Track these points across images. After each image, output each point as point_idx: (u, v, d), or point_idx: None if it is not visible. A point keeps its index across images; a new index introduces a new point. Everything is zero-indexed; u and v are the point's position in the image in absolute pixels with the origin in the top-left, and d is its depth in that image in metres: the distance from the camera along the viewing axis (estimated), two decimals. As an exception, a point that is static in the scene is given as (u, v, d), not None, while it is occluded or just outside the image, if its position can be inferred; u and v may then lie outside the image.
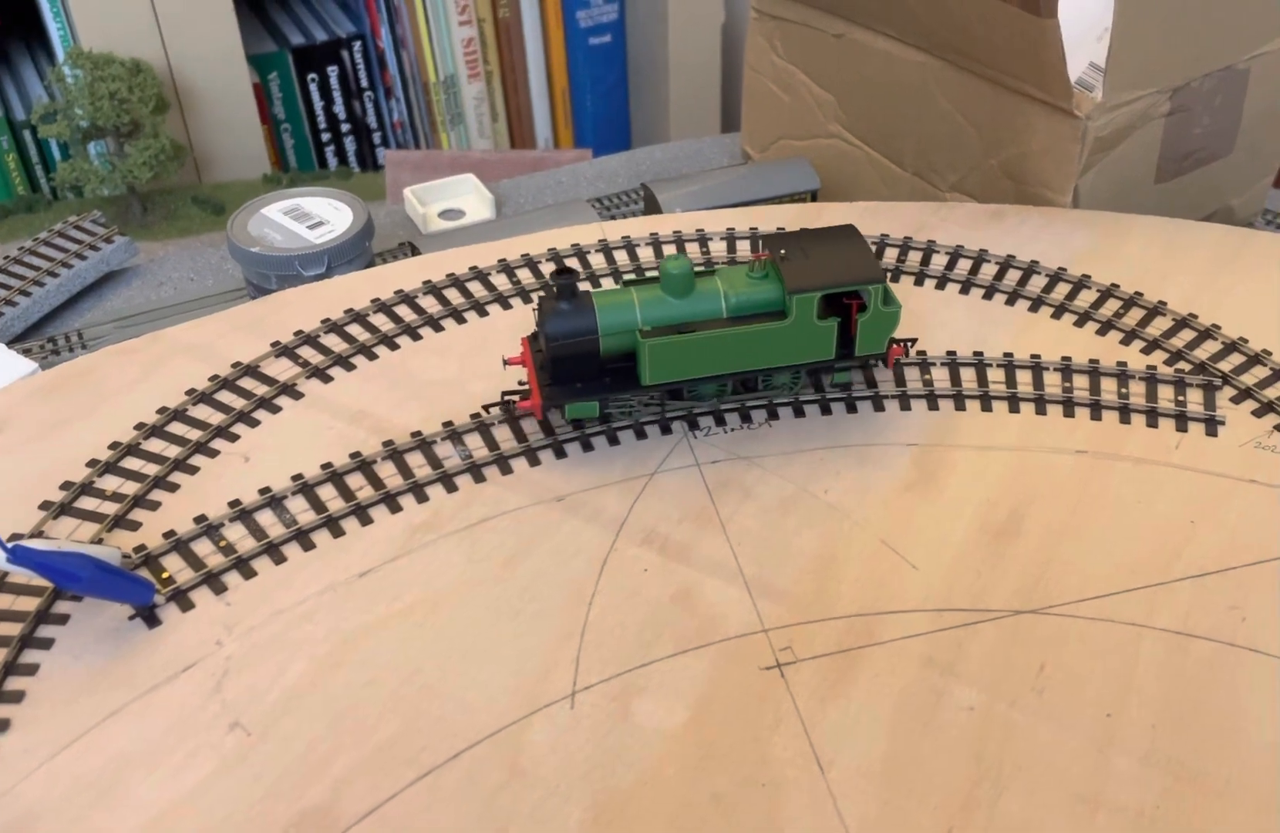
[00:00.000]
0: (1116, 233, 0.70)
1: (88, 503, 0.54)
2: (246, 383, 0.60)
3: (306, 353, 0.62)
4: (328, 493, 0.55)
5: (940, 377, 0.61)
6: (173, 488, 0.55)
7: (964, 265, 0.68)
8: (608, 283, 0.67)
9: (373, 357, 0.62)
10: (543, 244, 0.69)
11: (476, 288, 0.66)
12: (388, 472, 0.56)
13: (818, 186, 0.81)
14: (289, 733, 0.46)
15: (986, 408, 0.59)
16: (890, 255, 0.68)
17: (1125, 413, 0.59)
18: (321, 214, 0.75)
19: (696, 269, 0.55)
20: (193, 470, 0.56)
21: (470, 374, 0.61)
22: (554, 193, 0.94)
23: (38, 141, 1.18)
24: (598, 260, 0.68)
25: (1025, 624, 0.50)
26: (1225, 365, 0.61)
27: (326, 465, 0.56)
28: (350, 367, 0.61)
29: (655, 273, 0.67)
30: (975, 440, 0.58)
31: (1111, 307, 0.65)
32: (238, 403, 0.59)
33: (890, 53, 0.76)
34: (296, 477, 0.55)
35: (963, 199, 0.76)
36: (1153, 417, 0.59)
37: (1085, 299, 0.65)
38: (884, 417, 0.59)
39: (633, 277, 0.67)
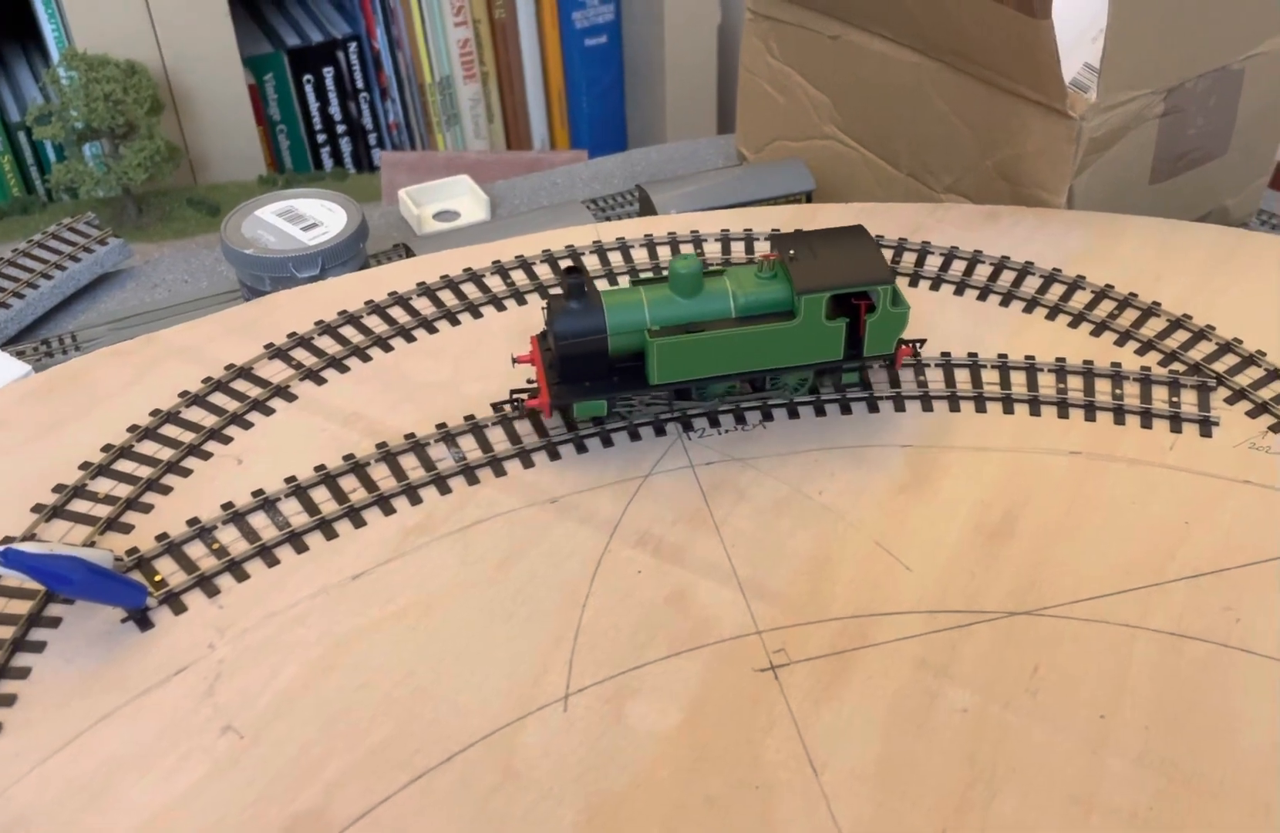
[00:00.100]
0: (1111, 234, 0.70)
1: (80, 506, 0.54)
2: (240, 385, 0.60)
3: (300, 355, 0.62)
4: (321, 495, 0.55)
5: (935, 378, 0.61)
6: (165, 490, 0.55)
7: (959, 266, 0.68)
8: (602, 285, 0.67)
9: (366, 359, 0.62)
10: (537, 246, 0.69)
11: (470, 289, 0.66)
12: (381, 474, 0.56)
13: (813, 188, 0.81)
14: (281, 736, 0.46)
15: (981, 409, 0.59)
16: (886, 256, 0.68)
17: (1120, 414, 0.59)
18: (315, 216, 0.75)
19: (705, 269, 0.55)
20: (185, 473, 0.56)
21: (464, 376, 0.61)
22: (549, 194, 0.94)
23: (33, 143, 1.18)
24: (592, 262, 0.68)
25: (1019, 626, 0.50)
26: (1220, 366, 0.61)
27: (320, 468, 0.55)
28: (344, 369, 0.61)
29: (649, 274, 0.67)
30: (970, 442, 0.58)
31: (1106, 307, 0.65)
32: (231, 405, 0.59)
33: (885, 54, 0.76)
34: (289, 479, 0.55)
35: (958, 200, 0.76)
36: (1147, 418, 0.59)
37: (1080, 300, 0.65)
38: (878, 418, 0.59)
39: (627, 278, 0.67)
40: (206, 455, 0.56)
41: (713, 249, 0.69)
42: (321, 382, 0.61)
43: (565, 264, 0.67)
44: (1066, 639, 0.49)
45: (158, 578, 0.51)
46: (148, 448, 0.57)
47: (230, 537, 0.53)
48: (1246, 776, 0.45)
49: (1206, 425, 0.58)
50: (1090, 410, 0.59)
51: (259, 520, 0.53)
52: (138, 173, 1.02)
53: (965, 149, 0.75)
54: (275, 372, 0.61)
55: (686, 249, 0.69)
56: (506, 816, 0.44)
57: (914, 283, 0.67)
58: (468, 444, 0.57)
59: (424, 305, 0.65)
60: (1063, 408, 0.59)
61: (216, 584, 0.51)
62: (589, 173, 0.97)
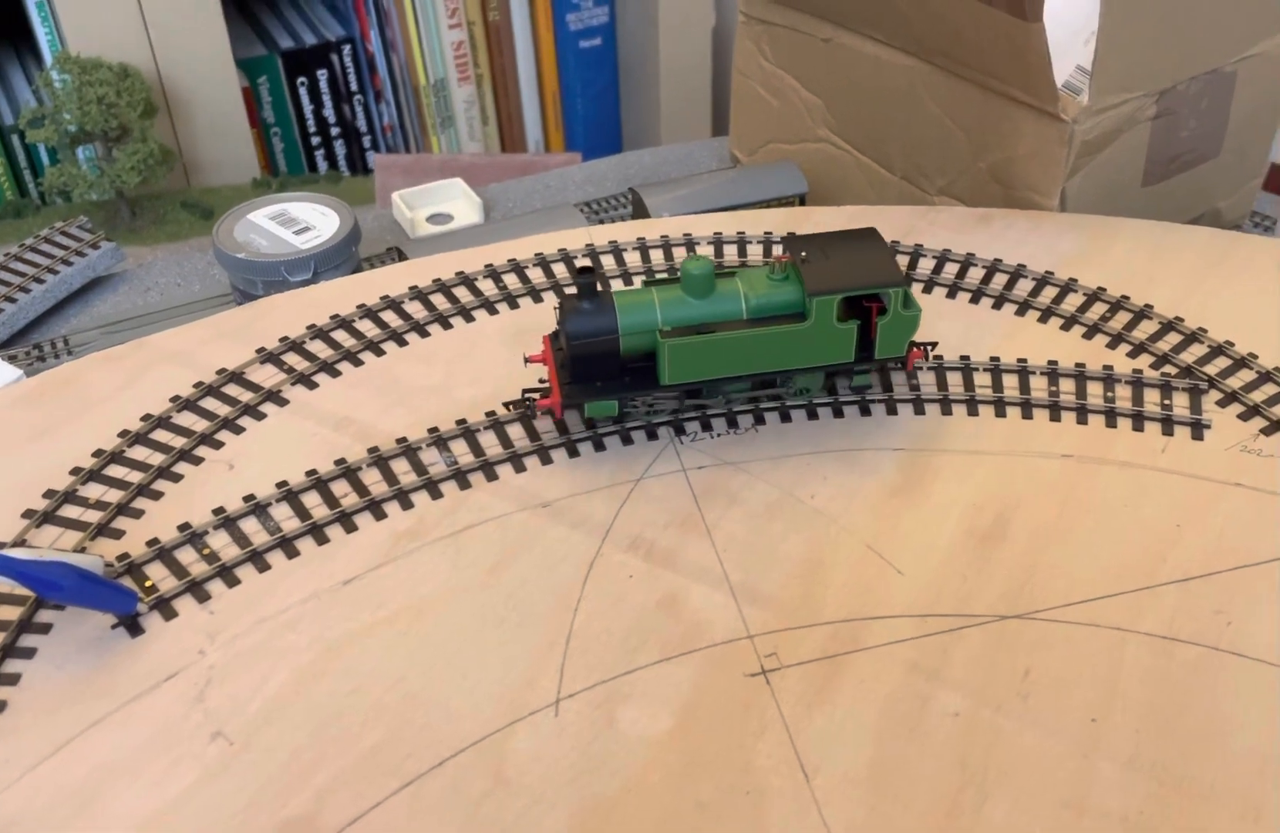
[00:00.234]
0: (1104, 236, 0.70)
1: (71, 511, 0.54)
2: (231, 390, 0.60)
3: (292, 359, 0.62)
4: (312, 500, 0.54)
5: (927, 381, 0.61)
6: (156, 496, 0.55)
7: (951, 269, 0.68)
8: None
9: (358, 363, 0.62)
10: (529, 249, 0.69)
11: (463, 293, 0.66)
12: (373, 478, 0.55)
13: (806, 190, 0.81)
14: (272, 742, 0.46)
15: (973, 412, 0.59)
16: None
17: (1111, 417, 0.59)
18: (308, 219, 0.75)
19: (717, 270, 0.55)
20: (177, 478, 0.55)
21: (456, 380, 0.61)
22: (543, 197, 0.94)
23: (26, 146, 1.18)
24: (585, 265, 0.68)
25: (1011, 629, 0.50)
26: (1212, 369, 0.61)
27: (311, 472, 0.55)
28: (336, 373, 0.61)
29: (641, 277, 0.67)
30: (962, 445, 0.58)
31: (1098, 310, 0.65)
32: (222, 410, 0.59)
33: (878, 57, 0.76)
34: (281, 484, 0.55)
35: (950, 203, 0.76)
36: (1139, 420, 0.59)
37: (1072, 303, 0.65)
38: (870, 421, 0.59)
39: (620, 281, 0.67)
40: (198, 460, 0.56)
41: (705, 252, 0.69)
42: (313, 386, 0.60)
43: (536, 274, 0.67)
44: (1058, 643, 0.49)
45: (148, 584, 0.51)
46: (139, 453, 0.56)
47: (221, 542, 0.53)
48: (1237, 779, 0.45)
49: (1198, 428, 0.58)
50: (1082, 413, 0.59)
51: (250, 525, 0.53)
52: (131, 176, 1.02)
53: (958, 152, 0.75)
54: (267, 376, 0.61)
55: (679, 252, 0.69)
56: (497, 821, 0.44)
57: (906, 286, 0.67)
58: (459, 448, 0.57)
59: (416, 309, 0.65)
60: (1055, 411, 0.59)
61: (207, 590, 0.51)
62: (583, 175, 0.97)
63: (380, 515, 0.54)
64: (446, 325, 0.64)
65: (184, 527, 0.53)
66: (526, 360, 0.57)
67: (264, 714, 0.46)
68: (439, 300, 0.66)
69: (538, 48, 1.36)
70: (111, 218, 1.05)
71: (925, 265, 0.68)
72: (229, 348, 0.62)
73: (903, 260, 0.68)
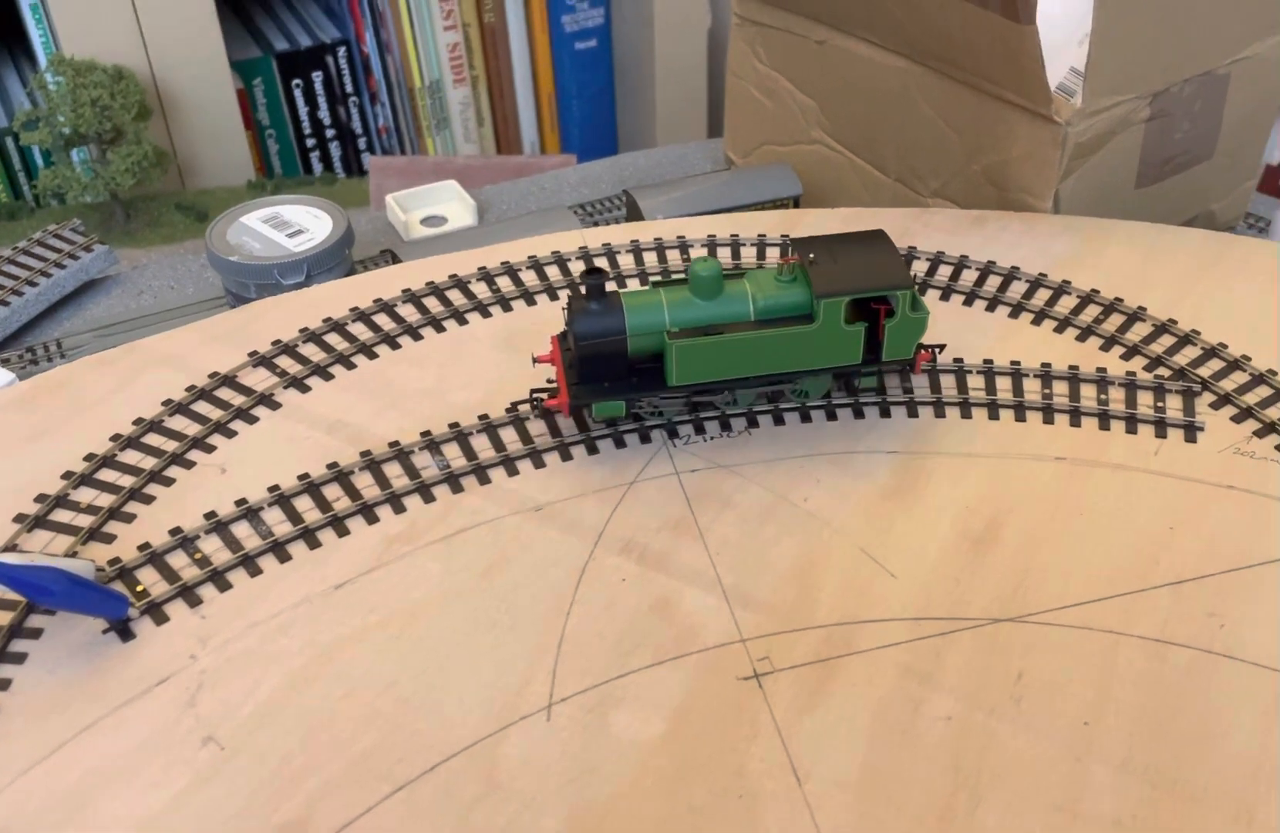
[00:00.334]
0: (1097, 238, 0.70)
1: (62, 515, 0.54)
2: (223, 393, 0.60)
3: (284, 363, 0.62)
4: (304, 504, 0.54)
5: (920, 384, 0.61)
6: (148, 500, 0.55)
7: (945, 271, 0.68)
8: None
9: (351, 366, 0.62)
10: (523, 252, 0.69)
11: (456, 296, 0.66)
12: (365, 482, 0.55)
13: (800, 192, 0.81)
14: (263, 748, 0.45)
15: (966, 415, 0.59)
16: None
17: (1104, 419, 0.59)
18: (301, 222, 0.75)
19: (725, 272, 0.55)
20: (169, 482, 0.55)
21: (449, 383, 0.61)
22: (537, 199, 0.94)
23: (20, 148, 1.18)
24: (578, 268, 0.68)
25: (1003, 633, 0.50)
26: (1205, 371, 0.61)
27: (303, 476, 0.55)
28: (328, 376, 0.61)
29: (635, 280, 0.67)
30: (955, 448, 0.58)
31: (1091, 312, 0.65)
32: (214, 414, 0.59)
33: (872, 59, 0.76)
34: (273, 488, 0.55)
35: (944, 205, 0.76)
36: (1132, 423, 0.59)
37: (1065, 305, 0.65)
38: (864, 424, 0.59)
39: (611, 284, 0.67)
40: (190, 464, 0.56)
41: (699, 255, 0.69)
42: (306, 389, 0.60)
43: (529, 277, 0.67)
44: (1050, 646, 0.49)
45: (140, 588, 0.51)
46: (131, 457, 0.56)
47: (213, 546, 0.53)
48: (1230, 782, 0.45)
49: (1191, 430, 0.58)
50: (1075, 416, 0.59)
51: (242, 530, 0.53)
52: (125, 178, 1.01)
53: (952, 154, 0.75)
54: (259, 380, 0.61)
55: (673, 255, 0.69)
56: (489, 826, 0.43)
57: (900, 288, 0.67)
58: (452, 452, 0.57)
59: (409, 312, 0.65)
60: (1048, 413, 0.59)
61: (199, 594, 0.51)
62: (577, 177, 0.97)
63: (372, 519, 0.54)
64: (439, 328, 0.64)
65: (175, 531, 0.53)
66: (535, 360, 0.57)
67: (256, 719, 0.46)
68: (432, 303, 0.66)
69: (533, 49, 1.36)
70: (106, 220, 1.05)
71: (919, 268, 0.68)
72: (221, 351, 0.62)
73: (896, 263, 0.68)
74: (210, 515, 0.54)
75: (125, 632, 0.49)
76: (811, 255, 0.55)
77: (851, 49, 0.77)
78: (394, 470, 0.56)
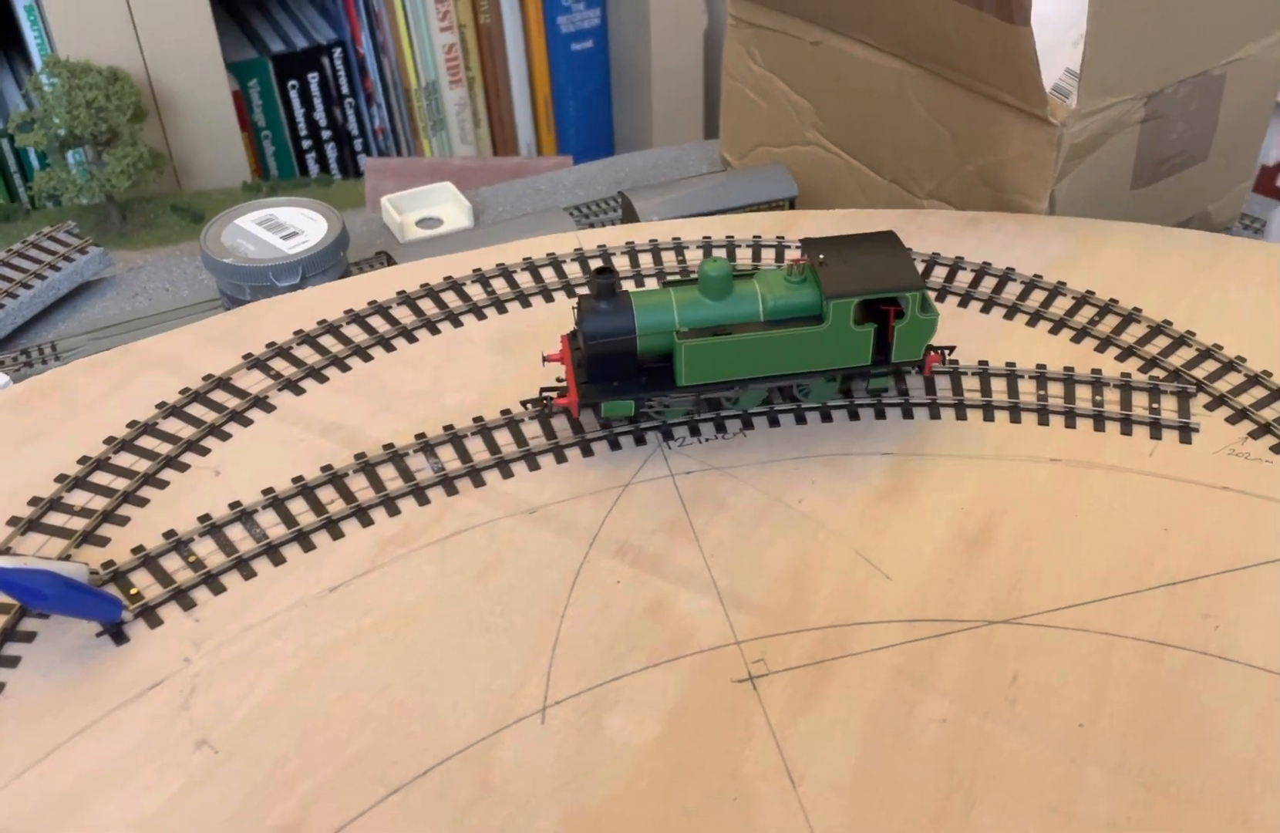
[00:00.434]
0: (1093, 239, 0.70)
1: (56, 518, 0.53)
2: (218, 396, 0.60)
3: (279, 365, 0.62)
4: (298, 507, 0.54)
5: (915, 385, 0.61)
6: (142, 503, 0.54)
7: (940, 273, 0.68)
8: (584, 292, 0.67)
9: (346, 368, 0.62)
10: (518, 254, 0.69)
11: (451, 298, 0.66)
12: (359, 485, 0.55)
13: (795, 194, 0.81)
14: (257, 751, 0.45)
15: (961, 416, 0.59)
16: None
17: (1099, 421, 0.59)
18: (296, 224, 0.75)
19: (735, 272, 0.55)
20: (163, 485, 0.55)
21: (443, 386, 0.61)
22: (533, 200, 0.94)
23: (15, 150, 1.18)
24: (573, 270, 0.68)
25: (998, 634, 0.50)
26: (1200, 372, 0.61)
27: (298, 479, 0.55)
28: (323, 379, 0.61)
29: (631, 281, 0.67)
30: (950, 449, 0.58)
31: (1086, 314, 0.65)
32: (209, 416, 0.58)
33: (867, 60, 0.76)
34: (267, 490, 0.55)
35: (940, 206, 0.76)
36: (1127, 424, 0.59)
37: (1060, 306, 0.65)
38: (859, 426, 0.59)
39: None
40: (184, 467, 0.56)
41: (694, 256, 0.69)
42: (300, 392, 0.60)
43: (525, 279, 0.67)
44: (1045, 648, 0.49)
45: (133, 591, 0.51)
46: (125, 460, 0.56)
47: (207, 549, 0.52)
48: (1225, 784, 0.45)
49: (1186, 432, 0.58)
50: (1070, 417, 0.59)
51: (236, 533, 0.53)
52: (121, 180, 1.01)
53: (947, 155, 0.75)
54: (254, 382, 0.61)
55: (668, 256, 0.69)
56: (483, 829, 0.43)
57: (895, 289, 0.67)
58: (446, 454, 0.57)
59: (404, 314, 0.65)
60: (1043, 415, 0.59)
61: (193, 597, 0.51)
62: (573, 179, 0.97)
63: (367, 522, 0.54)
64: (434, 331, 0.64)
65: (169, 534, 0.53)
66: (545, 359, 0.57)
67: (250, 722, 0.46)
68: (427, 305, 0.66)
69: (529, 50, 1.36)
70: (102, 222, 1.05)
71: (914, 269, 0.68)
72: (216, 354, 0.62)
73: (891, 264, 0.68)
74: (204, 518, 0.54)
75: (119, 635, 0.49)
76: (821, 256, 0.55)
77: (846, 50, 0.77)
78: (388, 473, 0.56)
